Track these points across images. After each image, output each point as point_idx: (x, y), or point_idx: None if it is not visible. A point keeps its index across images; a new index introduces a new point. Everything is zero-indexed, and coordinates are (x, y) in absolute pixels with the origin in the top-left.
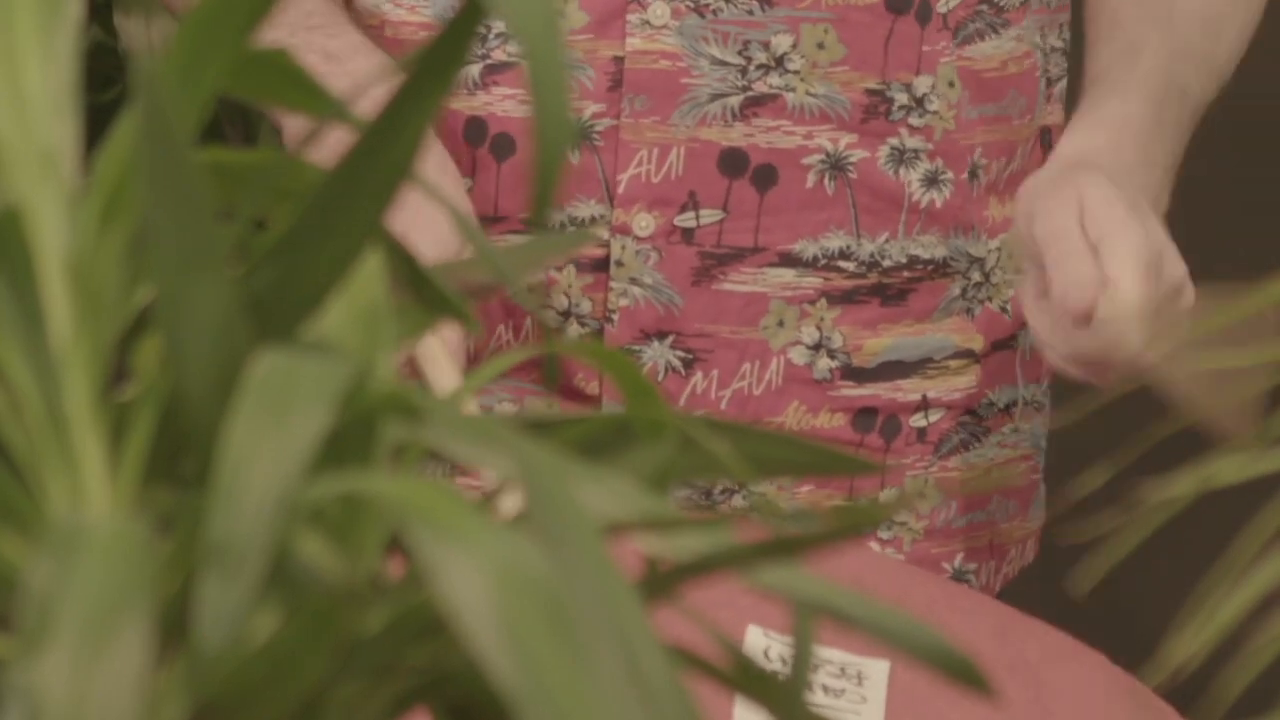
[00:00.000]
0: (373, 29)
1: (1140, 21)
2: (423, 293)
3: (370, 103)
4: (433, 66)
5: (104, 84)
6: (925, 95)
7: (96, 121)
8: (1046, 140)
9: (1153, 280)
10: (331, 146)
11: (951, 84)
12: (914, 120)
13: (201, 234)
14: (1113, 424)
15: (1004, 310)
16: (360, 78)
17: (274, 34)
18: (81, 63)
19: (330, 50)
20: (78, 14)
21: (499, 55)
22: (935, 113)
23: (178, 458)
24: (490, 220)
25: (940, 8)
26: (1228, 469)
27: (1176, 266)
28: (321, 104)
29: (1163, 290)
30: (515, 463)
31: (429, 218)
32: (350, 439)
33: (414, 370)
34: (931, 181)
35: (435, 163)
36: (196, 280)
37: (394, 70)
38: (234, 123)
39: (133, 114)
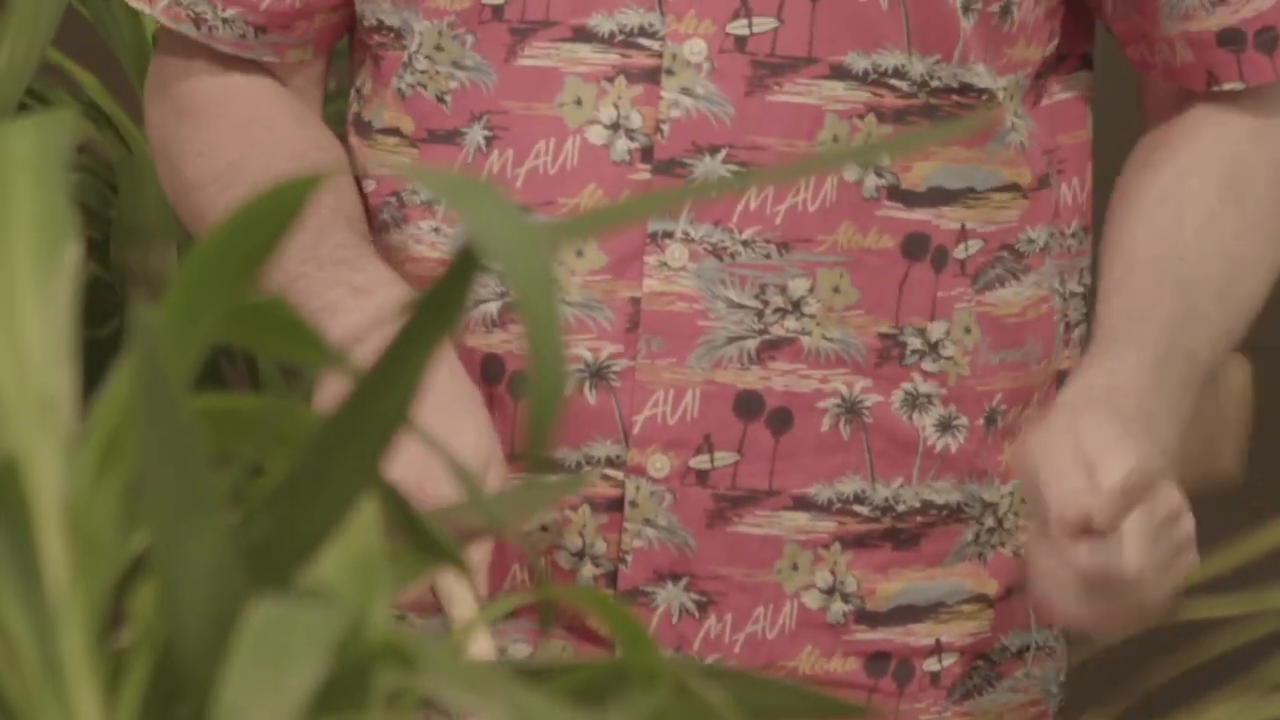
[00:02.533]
0: (397, 263)
1: (1155, 283)
2: (418, 539)
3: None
4: (431, 313)
5: (101, 319)
6: (940, 340)
7: (93, 357)
8: (1063, 385)
9: (1148, 497)
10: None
11: (968, 329)
12: (927, 365)
13: (197, 481)
14: (1124, 668)
15: (1017, 555)
16: (387, 311)
17: (303, 266)
18: (78, 299)
19: (358, 284)
20: (75, 259)
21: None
22: (950, 358)
23: (173, 705)
24: (507, 458)
25: (958, 254)
26: (1224, 715)
27: (1172, 495)
28: (318, 355)
29: (1159, 515)
30: (509, 711)
31: (460, 426)
32: (345, 686)
33: (433, 598)
34: (945, 427)
35: (451, 372)
36: (192, 527)
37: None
38: (233, 359)
39: (129, 363)
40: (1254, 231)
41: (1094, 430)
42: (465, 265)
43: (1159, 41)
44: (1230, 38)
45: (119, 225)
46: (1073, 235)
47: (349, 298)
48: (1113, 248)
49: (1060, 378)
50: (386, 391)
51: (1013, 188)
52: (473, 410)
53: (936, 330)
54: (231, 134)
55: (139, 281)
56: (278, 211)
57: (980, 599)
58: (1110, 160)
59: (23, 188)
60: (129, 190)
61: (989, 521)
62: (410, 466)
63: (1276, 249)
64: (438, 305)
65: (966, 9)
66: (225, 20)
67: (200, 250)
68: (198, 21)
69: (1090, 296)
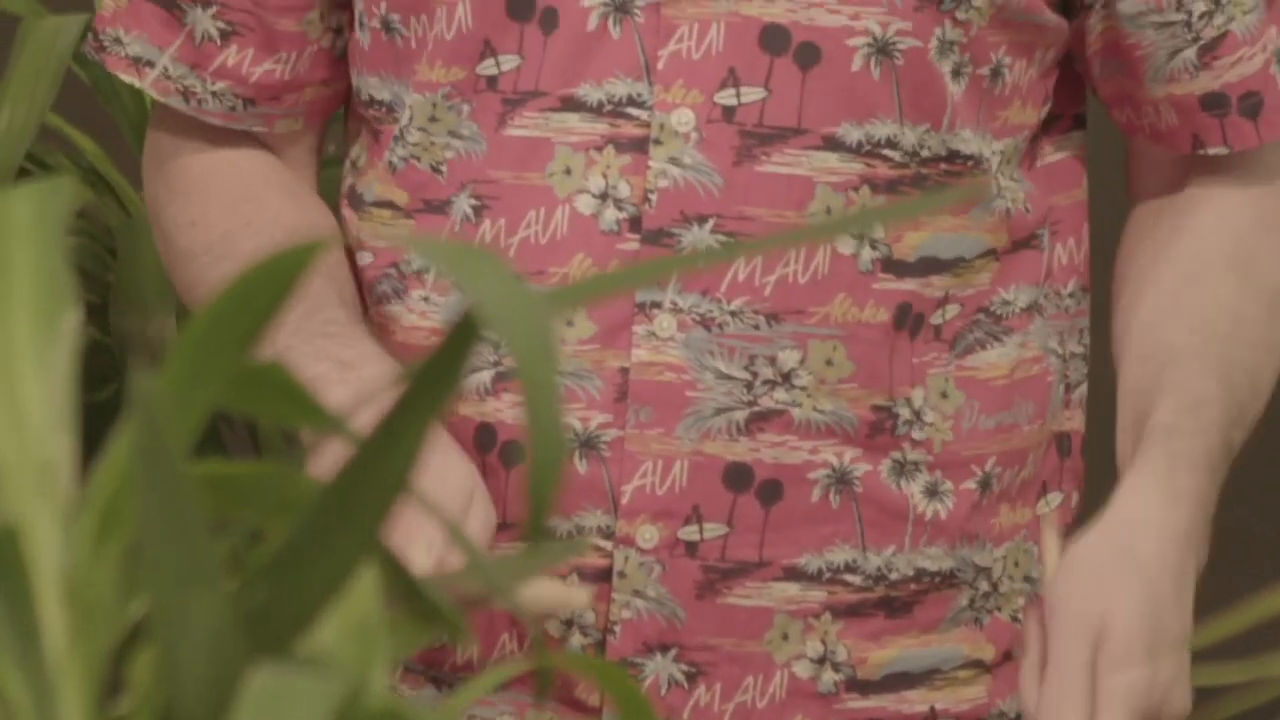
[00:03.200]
0: (385, 335)
1: (1203, 375)
2: (417, 606)
3: (373, 413)
4: (429, 382)
5: (99, 383)
6: (921, 408)
7: (92, 420)
8: (1065, 447)
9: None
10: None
11: (945, 394)
12: (915, 434)
13: (196, 548)
14: None
15: (1014, 619)
16: (373, 385)
17: (291, 339)
18: (77, 363)
19: (345, 359)
20: (74, 326)
21: (510, 362)
22: (932, 424)
23: None
24: (500, 527)
25: (935, 319)
26: None
27: (1181, 700)
28: (318, 420)
29: None
30: None
31: (435, 486)
32: None
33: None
34: (932, 493)
35: (445, 449)
36: (191, 594)
37: (402, 379)
38: (233, 424)
39: (129, 430)
40: (1272, 317)
41: (1120, 640)
42: (465, 333)
43: (1144, 104)
44: (1214, 102)
45: (118, 289)
46: (1070, 295)
47: (335, 371)
48: (1140, 333)
49: (1059, 438)
50: (386, 459)
51: (989, 252)
52: (450, 450)
53: (918, 397)
54: (223, 207)
55: (138, 346)
56: (277, 280)
57: (976, 664)
58: (1104, 220)
59: (22, 255)
60: (128, 255)
61: (983, 586)
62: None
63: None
64: (437, 373)
65: (956, 74)
66: (214, 93)
67: (200, 318)
68: (187, 95)
69: (1090, 357)
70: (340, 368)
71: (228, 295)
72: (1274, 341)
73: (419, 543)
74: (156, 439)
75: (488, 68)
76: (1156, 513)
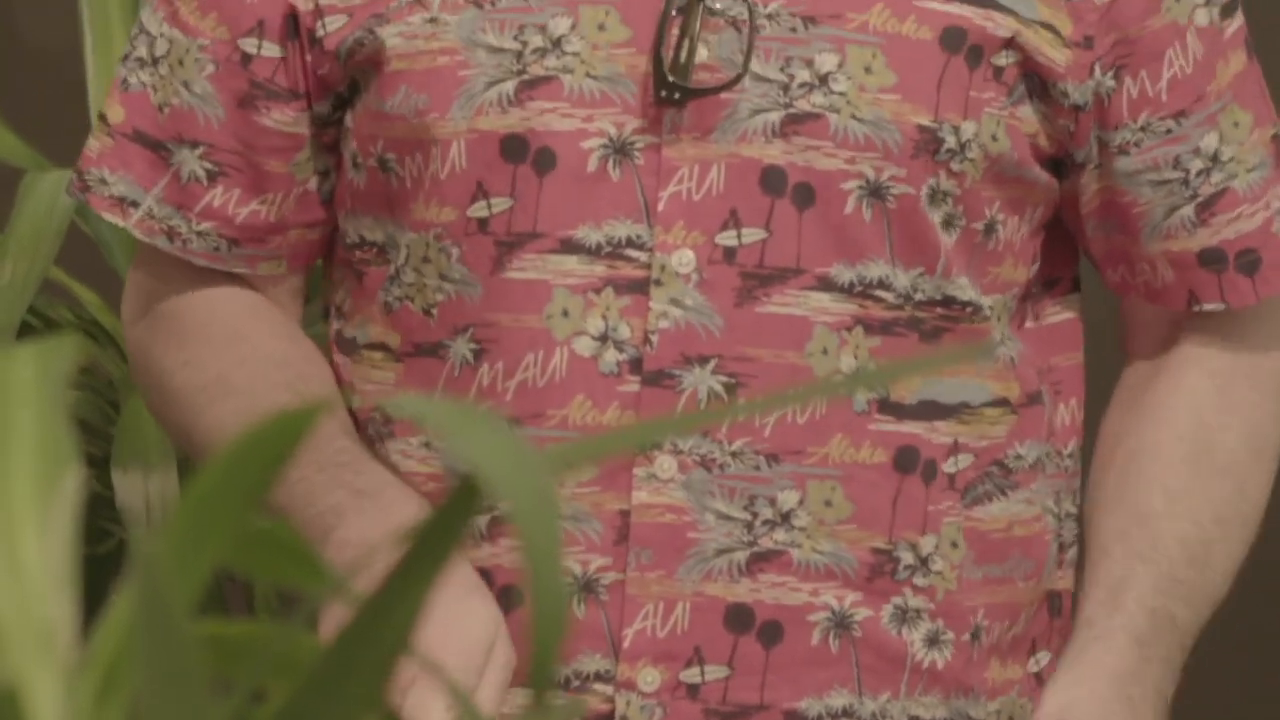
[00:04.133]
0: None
1: (1125, 557)
2: None
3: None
4: (432, 540)
5: (100, 536)
6: (930, 555)
7: (93, 574)
8: (1056, 606)
9: None
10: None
11: (955, 544)
12: (918, 580)
13: (197, 710)
14: None
15: None
16: (390, 508)
17: (304, 470)
18: (77, 517)
19: (359, 487)
20: (76, 486)
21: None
22: (939, 573)
23: None
24: None
25: (948, 468)
26: None
27: None
28: (321, 580)
29: None
30: None
31: (457, 633)
32: None
33: None
34: (933, 641)
35: (466, 593)
36: None
37: (403, 539)
38: (235, 580)
39: (131, 591)
40: (1229, 488)
41: None
42: (466, 496)
43: (1140, 261)
44: (1212, 258)
45: (119, 442)
46: (1069, 456)
47: (351, 499)
48: (1090, 522)
49: (1050, 597)
50: (388, 619)
51: (1003, 403)
52: (479, 590)
53: (927, 544)
54: (216, 346)
55: (139, 499)
56: (280, 440)
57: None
58: (1099, 380)
59: (24, 415)
60: (130, 408)
61: None
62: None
63: (1254, 504)
64: (439, 533)
65: (947, 225)
66: (199, 233)
67: (203, 478)
68: (171, 235)
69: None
70: (355, 495)
71: (230, 455)
72: (1231, 513)
73: (437, 701)
74: (158, 600)
75: (479, 210)
76: (1068, 694)
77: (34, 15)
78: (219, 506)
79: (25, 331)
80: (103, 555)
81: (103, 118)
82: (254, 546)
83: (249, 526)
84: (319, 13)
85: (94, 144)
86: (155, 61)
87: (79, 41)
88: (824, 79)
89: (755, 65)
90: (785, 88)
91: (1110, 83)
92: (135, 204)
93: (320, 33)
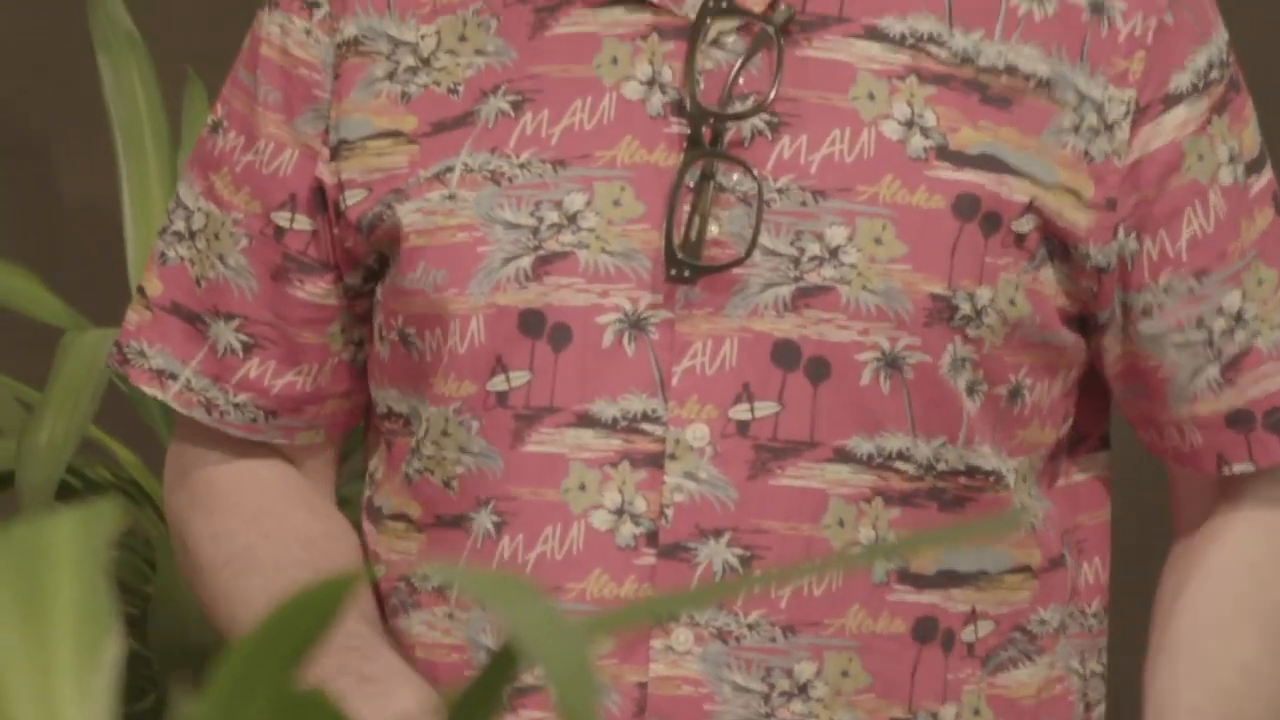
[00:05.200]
0: (406, 649)
1: None
2: None
3: None
4: (468, 712)
5: (138, 694)
6: None
7: None
8: None
9: None
10: None
11: (977, 711)
12: None
13: None
14: None
15: None
16: (392, 695)
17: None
18: (116, 677)
19: (366, 673)
20: (115, 652)
21: (528, 678)
22: None
23: None
24: None
25: (966, 636)
26: None
27: None
28: None
29: None
30: None
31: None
32: None
33: None
34: None
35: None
36: None
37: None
38: None
39: None
40: None
41: None
42: (504, 663)
43: (1168, 426)
44: (1239, 419)
45: (157, 601)
46: (1094, 615)
47: (356, 685)
48: (1157, 695)
49: None
50: None
51: (1024, 569)
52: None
53: (948, 714)
54: (244, 521)
55: (176, 657)
56: (317, 611)
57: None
58: (1128, 539)
59: (65, 581)
60: (167, 567)
61: None
62: None
63: None
64: (476, 702)
65: (971, 391)
66: (236, 405)
67: (240, 646)
68: (209, 407)
69: (1109, 675)
70: (361, 682)
71: (267, 624)
72: None
73: None
74: None
75: (498, 384)
76: None
77: (73, 176)
78: (257, 674)
79: (64, 491)
80: (140, 713)
81: (141, 291)
82: (293, 711)
83: (287, 694)
84: (341, 187)
85: (133, 317)
86: (192, 235)
87: (118, 203)
88: (834, 252)
89: (765, 240)
90: (796, 261)
91: (1133, 245)
92: (174, 376)
93: (343, 206)
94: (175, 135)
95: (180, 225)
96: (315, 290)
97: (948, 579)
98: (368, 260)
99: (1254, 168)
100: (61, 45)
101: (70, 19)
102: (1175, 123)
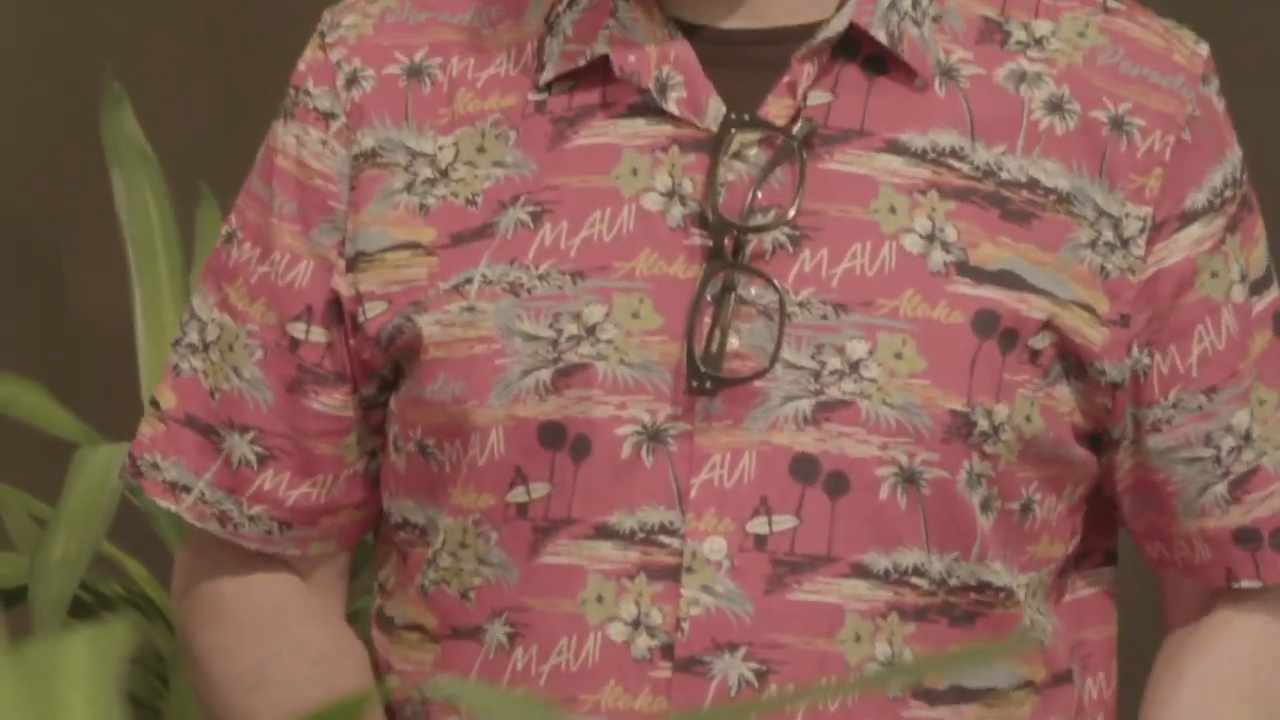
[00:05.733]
0: None
1: None
2: None
3: None
4: None
5: None
6: None
7: None
8: None
9: None
10: None
11: None
12: None
13: None
14: None
15: None
16: None
17: None
18: None
19: None
20: None
21: None
22: None
23: None
24: None
25: None
26: None
27: None
28: None
29: None
30: None
31: None
32: None
33: None
34: None
35: None
36: None
37: None
38: None
39: None
40: None
41: None
42: None
43: (1177, 538)
44: (1246, 536)
45: (170, 718)
46: None
47: None
48: None
49: None
50: None
51: (1029, 685)
52: None
53: None
54: (255, 636)
55: None
56: None
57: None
58: (1135, 655)
59: (77, 700)
60: (179, 682)
61: None
62: None
63: None
64: None
65: (985, 507)
66: (251, 517)
67: None
68: (223, 520)
69: None
70: None
71: None
72: None
73: None
74: None
75: (518, 495)
76: None
77: (86, 290)
78: None
79: (77, 606)
80: None
81: (154, 403)
82: None
83: None
84: (359, 299)
85: (146, 429)
86: (206, 347)
87: (130, 317)
88: (855, 366)
89: (786, 353)
90: (816, 375)
91: (1146, 360)
92: (187, 489)
93: (361, 318)
94: (187, 250)
95: (194, 337)
96: (331, 402)
97: (958, 695)
98: (383, 372)
99: (1259, 288)
100: (74, 159)
101: (83, 133)
102: (1190, 240)
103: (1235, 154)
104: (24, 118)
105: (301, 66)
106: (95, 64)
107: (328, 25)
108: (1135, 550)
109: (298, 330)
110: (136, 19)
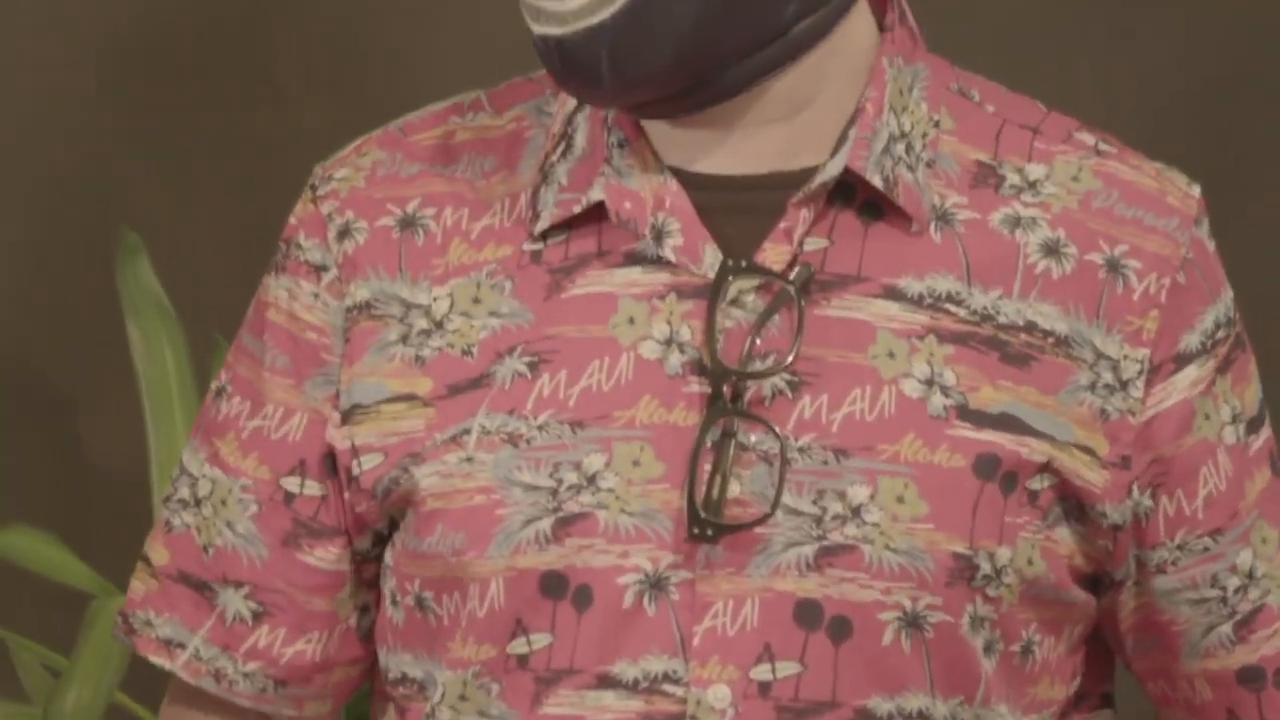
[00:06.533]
0: None
1: None
2: None
3: None
4: None
5: None
6: None
7: None
8: None
9: None
10: None
11: None
12: None
13: None
14: None
15: None
16: None
17: None
18: None
19: None
20: None
21: None
22: None
23: None
24: None
25: None
26: None
27: None
28: None
29: None
30: None
31: None
32: None
33: None
34: None
35: None
36: None
37: None
38: None
39: None
40: None
41: None
42: None
43: (1180, 678)
44: (1250, 676)
45: None
46: None
47: None
48: None
49: None
50: None
51: None
52: None
53: None
54: None
55: None
56: None
57: None
58: None
59: None
60: None
61: None
62: None
63: None
64: None
65: (988, 650)
66: (246, 674)
67: None
68: (218, 677)
69: None
70: None
71: None
72: None
73: None
74: None
75: (518, 646)
76: None
77: (101, 441)
78: None
79: None
80: None
81: (146, 559)
82: None
83: None
84: (355, 451)
85: (138, 586)
86: (198, 502)
87: (146, 467)
88: (856, 510)
89: (787, 499)
90: (818, 520)
91: (1148, 502)
92: (181, 645)
93: (357, 471)
94: (203, 401)
95: (185, 492)
96: (326, 555)
97: None
98: (378, 525)
99: (1254, 426)
100: (90, 309)
101: (99, 283)
102: (1187, 382)
103: (1227, 294)
104: (40, 267)
105: (292, 220)
106: (111, 214)
107: (319, 179)
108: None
109: (292, 484)
110: (153, 170)
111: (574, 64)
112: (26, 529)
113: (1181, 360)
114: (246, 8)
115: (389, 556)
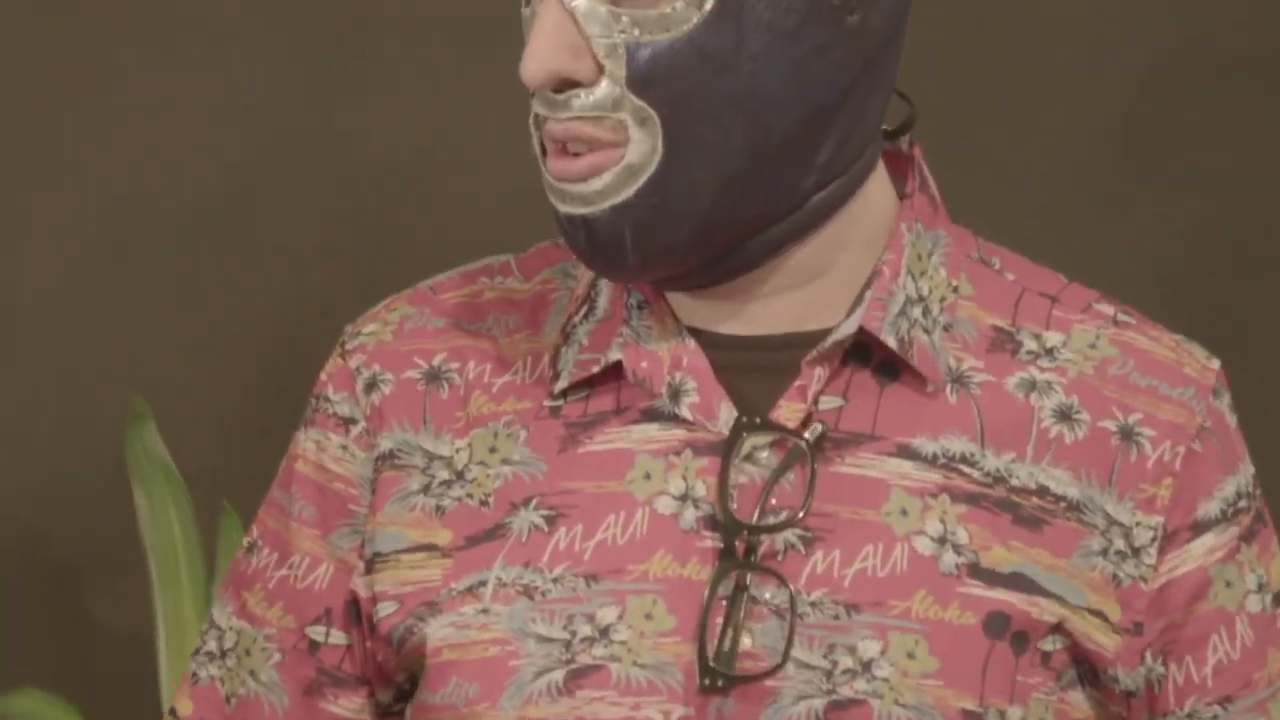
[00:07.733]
0: None
1: None
2: None
3: None
4: None
5: None
6: None
7: None
8: None
9: None
10: None
11: None
12: None
13: None
14: None
15: None
16: None
17: None
18: None
19: None
20: None
21: None
22: None
23: None
24: None
25: None
26: None
27: None
28: None
29: None
30: None
31: None
32: None
33: None
34: None
35: None
36: None
37: None
38: None
39: None
40: None
41: None
42: None
43: None
44: None
45: None
46: None
47: None
48: None
49: None
50: None
51: None
52: None
53: None
54: None
55: None
56: None
57: None
58: None
59: None
60: None
61: None
62: None
63: None
64: None
65: None
66: None
67: None
68: None
69: None
70: None
71: None
72: None
73: None
74: None
75: None
76: None
77: (109, 606)
78: None
79: None
80: None
81: (173, 712)
82: None
83: None
84: (374, 599)
85: None
86: (224, 654)
87: (153, 633)
88: (867, 665)
89: (798, 652)
90: (828, 674)
91: (1160, 669)
92: None
93: (376, 618)
94: (210, 566)
95: (212, 645)
96: (349, 706)
97: None
98: (399, 678)
99: None
100: (97, 476)
101: (106, 451)
102: (1203, 549)
103: (1248, 468)
104: (47, 432)
105: (323, 376)
106: (118, 380)
107: (348, 335)
108: None
109: (317, 633)
110: (160, 337)
111: (599, 242)
112: (35, 692)
113: (1199, 528)
114: (259, 171)
115: (409, 712)
